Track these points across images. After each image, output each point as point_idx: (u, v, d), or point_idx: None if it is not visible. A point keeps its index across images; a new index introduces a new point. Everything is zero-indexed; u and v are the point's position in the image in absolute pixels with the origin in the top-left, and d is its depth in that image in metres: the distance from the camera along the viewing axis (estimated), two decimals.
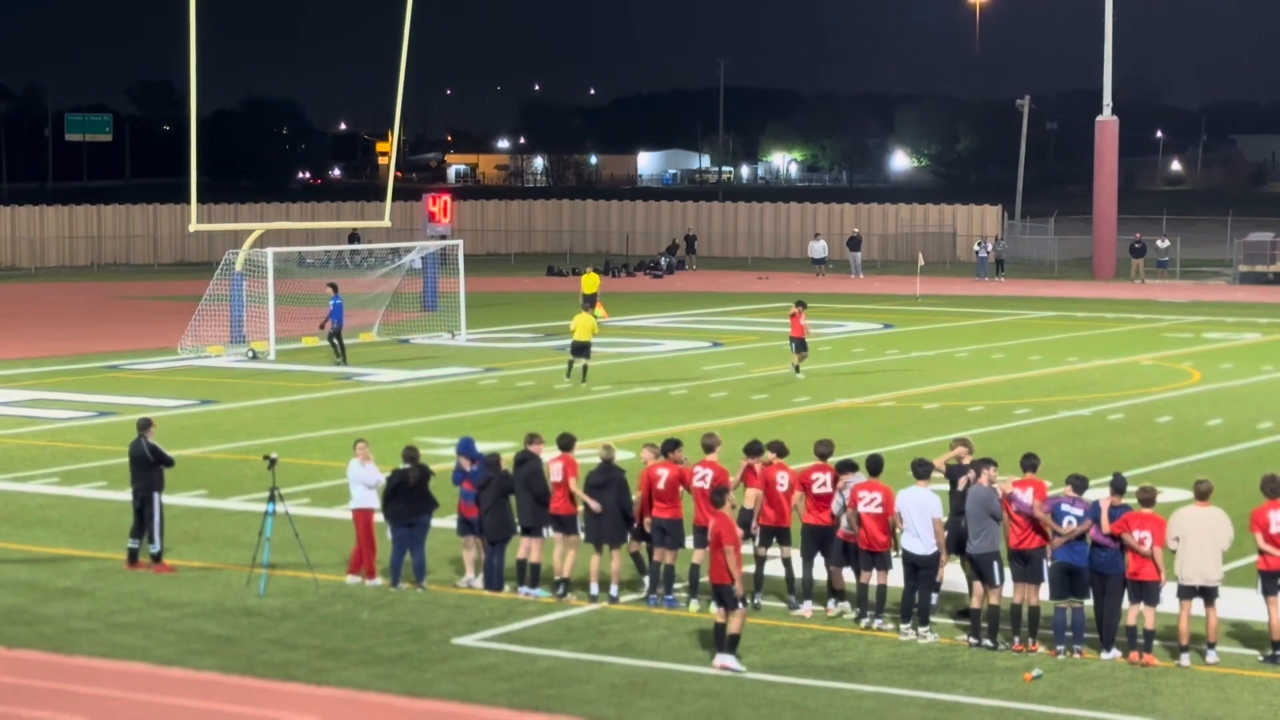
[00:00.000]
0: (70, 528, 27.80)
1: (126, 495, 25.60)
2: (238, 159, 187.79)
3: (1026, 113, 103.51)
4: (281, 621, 22.39)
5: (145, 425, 25.56)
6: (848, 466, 22.68)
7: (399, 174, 57.95)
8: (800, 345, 45.99)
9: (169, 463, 25.32)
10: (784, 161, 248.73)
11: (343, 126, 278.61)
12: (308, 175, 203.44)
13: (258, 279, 52.82)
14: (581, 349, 45.18)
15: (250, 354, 51.18)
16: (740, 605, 20.44)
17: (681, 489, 23.10)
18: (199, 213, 52.16)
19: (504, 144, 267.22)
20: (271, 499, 24.15)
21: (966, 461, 22.75)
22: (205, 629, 22.08)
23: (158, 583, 24.25)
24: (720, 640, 20.54)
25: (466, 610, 22.86)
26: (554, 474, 23.64)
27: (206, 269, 57.08)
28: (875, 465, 22.51)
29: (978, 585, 21.45)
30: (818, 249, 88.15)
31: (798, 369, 46.10)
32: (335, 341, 49.27)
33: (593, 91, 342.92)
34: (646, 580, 23.44)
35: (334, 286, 50.34)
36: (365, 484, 24.31)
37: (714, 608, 20.75)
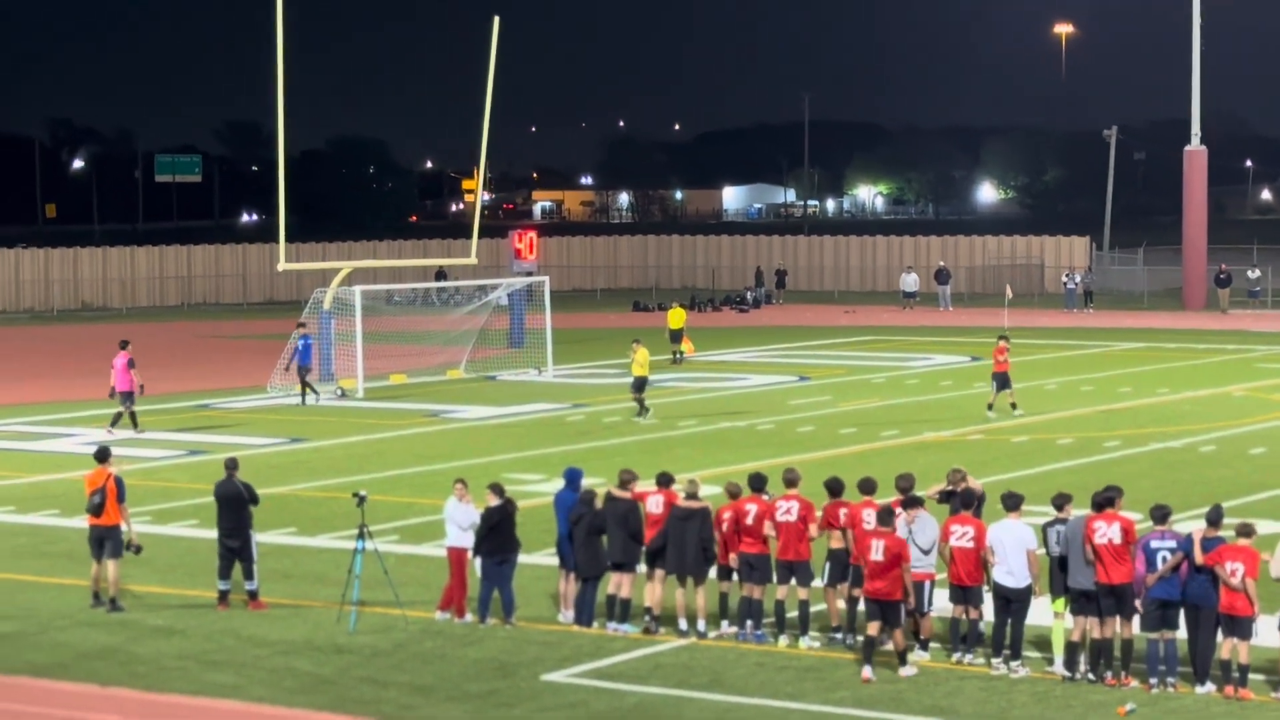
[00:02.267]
0: (162, 566, 27.99)
1: (217, 535, 25.71)
2: (325, 198, 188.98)
3: (1114, 143, 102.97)
4: (372, 659, 22.47)
5: (234, 465, 25.73)
6: (913, 502, 22.52)
7: (484, 211, 58.29)
8: (1003, 381, 44.89)
9: (256, 501, 25.48)
10: (869, 195, 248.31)
11: (429, 165, 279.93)
12: (407, 215, 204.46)
13: (346, 317, 53.11)
14: (641, 385, 45.25)
15: (339, 392, 51.45)
16: (904, 620, 21.42)
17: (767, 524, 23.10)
18: (287, 252, 52.50)
19: (589, 180, 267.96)
20: (361, 536, 24.26)
21: (959, 488, 22.85)
22: (296, 666, 22.18)
23: (249, 620, 24.38)
24: (869, 653, 21.24)
25: (556, 646, 22.87)
26: (652, 508, 23.68)
27: (295, 307, 57.46)
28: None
29: (1077, 619, 21.28)
30: (909, 282, 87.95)
31: (993, 406, 44.81)
32: (303, 381, 49.20)
33: (677, 127, 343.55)
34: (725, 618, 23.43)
35: (302, 325, 50.32)
36: (461, 523, 24.36)
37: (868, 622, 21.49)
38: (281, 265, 52.82)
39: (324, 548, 29.30)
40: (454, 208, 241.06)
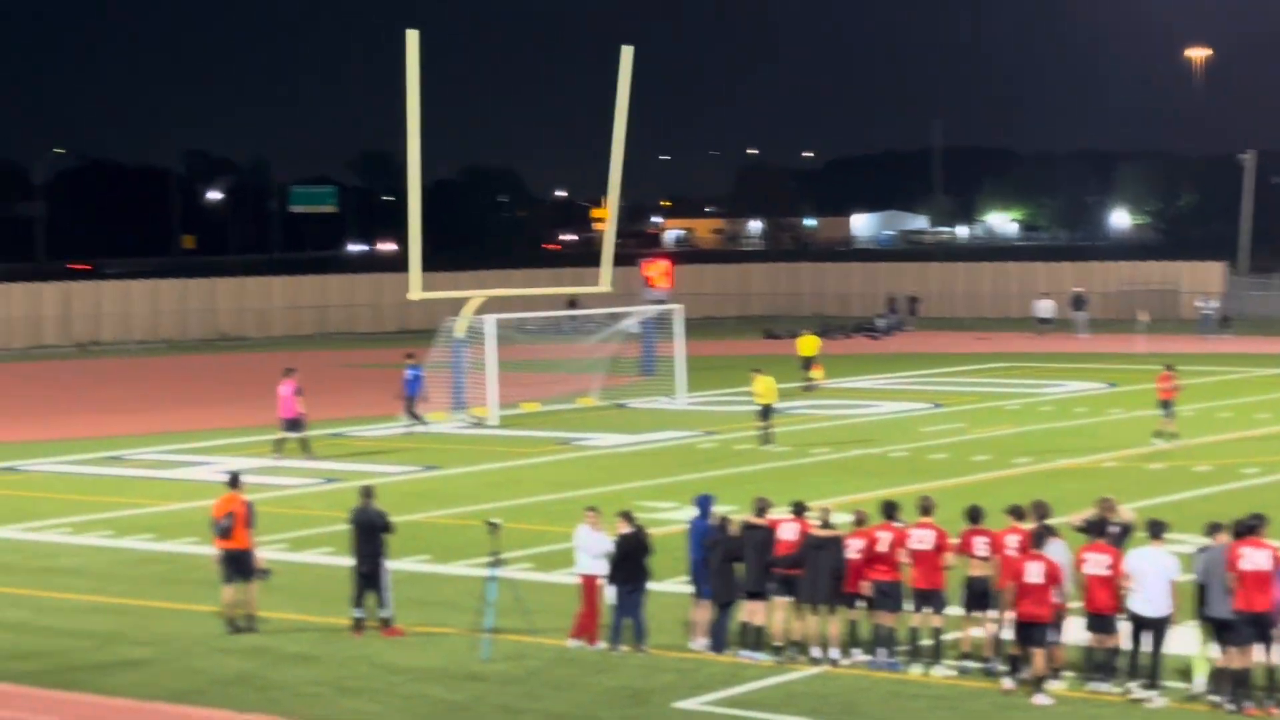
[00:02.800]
0: (298, 593, 28.23)
1: (349, 562, 25.92)
2: (458, 228, 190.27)
3: (1250, 168, 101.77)
4: (506, 686, 22.54)
5: (370, 492, 25.97)
6: (1046, 531, 22.37)
7: (616, 240, 58.25)
8: (1166, 407, 44.47)
9: (391, 529, 25.68)
10: (1001, 220, 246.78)
11: (560, 193, 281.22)
12: (539, 243, 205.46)
13: (479, 345, 53.40)
14: (767, 412, 45.19)
15: (472, 420, 51.72)
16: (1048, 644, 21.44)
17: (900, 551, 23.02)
18: (420, 281, 52.82)
19: (719, 208, 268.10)
20: (494, 563, 24.37)
21: (1109, 517, 22.65)
22: (431, 693, 22.30)
23: (384, 647, 24.54)
24: (1014, 666, 21.32)
25: (688, 674, 22.85)
26: (786, 535, 23.67)
27: (428, 336, 57.80)
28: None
29: (1221, 647, 21.03)
30: (1044, 308, 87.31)
31: (1161, 435, 44.30)
32: (410, 412, 49.53)
33: (808, 154, 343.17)
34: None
35: (410, 355, 50.63)
36: (592, 551, 24.42)
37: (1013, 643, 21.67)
38: (413, 294, 53.11)
39: (458, 575, 29.45)
40: (584, 236, 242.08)
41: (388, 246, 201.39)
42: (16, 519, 35.82)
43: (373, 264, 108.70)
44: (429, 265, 52.05)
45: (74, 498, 38.79)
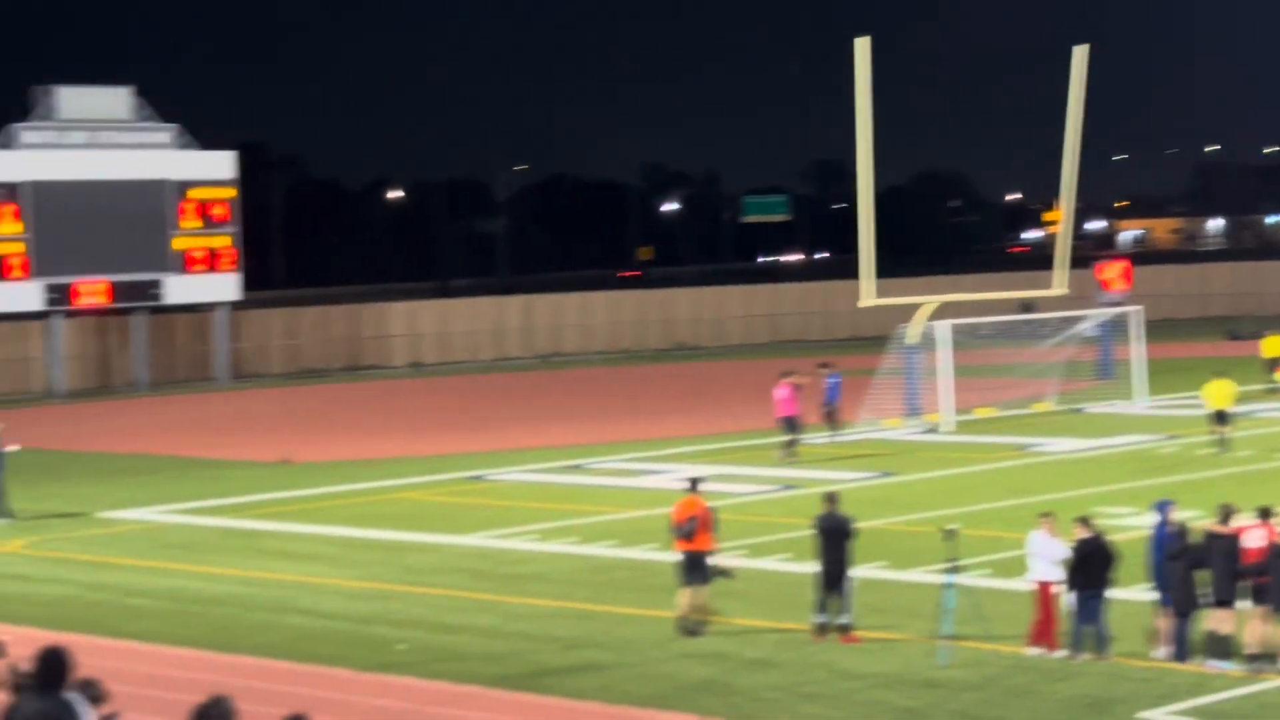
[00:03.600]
0: (758, 600, 28.53)
1: (811, 568, 26.13)
2: (909, 233, 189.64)
3: None
4: (963, 693, 22.44)
5: (835, 498, 26.18)
6: None
7: (1070, 242, 57.42)
8: None
9: (855, 535, 25.84)
10: None
11: (1012, 196, 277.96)
12: (991, 248, 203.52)
13: (932, 351, 53.16)
14: (1221, 417, 43.90)
15: (927, 426, 51.55)
16: None
17: None
18: (873, 288, 52.92)
19: (1181, 207, 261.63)
20: (951, 570, 24.29)
21: None
22: (889, 700, 22.32)
23: (843, 654, 24.66)
24: None
25: (1152, 683, 22.43)
26: (1252, 542, 23.05)
27: (881, 343, 57.81)
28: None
29: None
30: None
31: None
32: (831, 421, 49.14)
33: (1271, 149, 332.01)
34: None
35: (826, 365, 50.13)
36: (1048, 557, 24.17)
37: None
38: (864, 301, 53.21)
39: (915, 582, 29.41)
40: (1037, 238, 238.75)
41: (839, 255, 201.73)
42: (485, 526, 37.01)
43: (825, 271, 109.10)
44: (880, 272, 52.01)
45: (539, 505, 39.87)
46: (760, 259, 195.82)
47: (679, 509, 26.64)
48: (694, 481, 27.29)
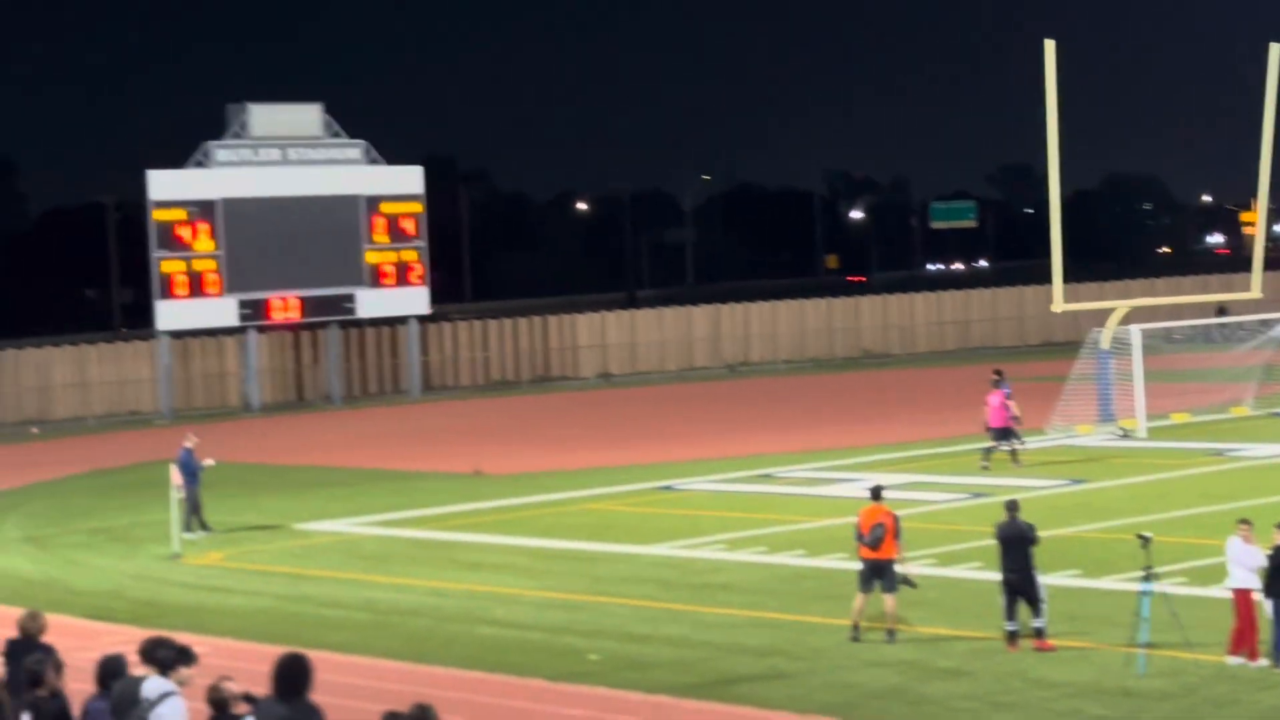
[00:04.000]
0: (948, 608, 28.33)
1: (999, 575, 25.91)
2: (1100, 237, 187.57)
3: None
4: (1161, 702, 22.12)
5: (1015, 506, 25.97)
6: None
7: (1267, 244, 56.60)
8: None
9: (1037, 541, 25.62)
10: None
11: (1205, 198, 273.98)
12: (1184, 251, 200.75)
13: (1124, 356, 52.51)
14: None
15: (1120, 432, 50.91)
16: None
17: None
18: (1064, 292, 52.39)
19: None
20: (1147, 578, 23.96)
21: None
22: (1084, 709, 22.05)
23: (1037, 663, 24.41)
24: None
25: None
26: None
27: (1073, 349, 57.16)
28: None
29: None
30: None
31: None
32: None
33: None
34: None
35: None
36: (1246, 564, 23.77)
37: None
38: (1057, 306, 52.74)
39: (1109, 590, 29.04)
40: (1231, 241, 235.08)
41: (1028, 260, 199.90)
42: (674, 537, 37.07)
43: (1014, 277, 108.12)
44: (1071, 276, 51.52)
45: (728, 515, 39.88)
46: (949, 265, 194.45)
47: (864, 517, 26.63)
48: (876, 490, 27.31)
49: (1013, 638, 25.28)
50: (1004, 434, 45.26)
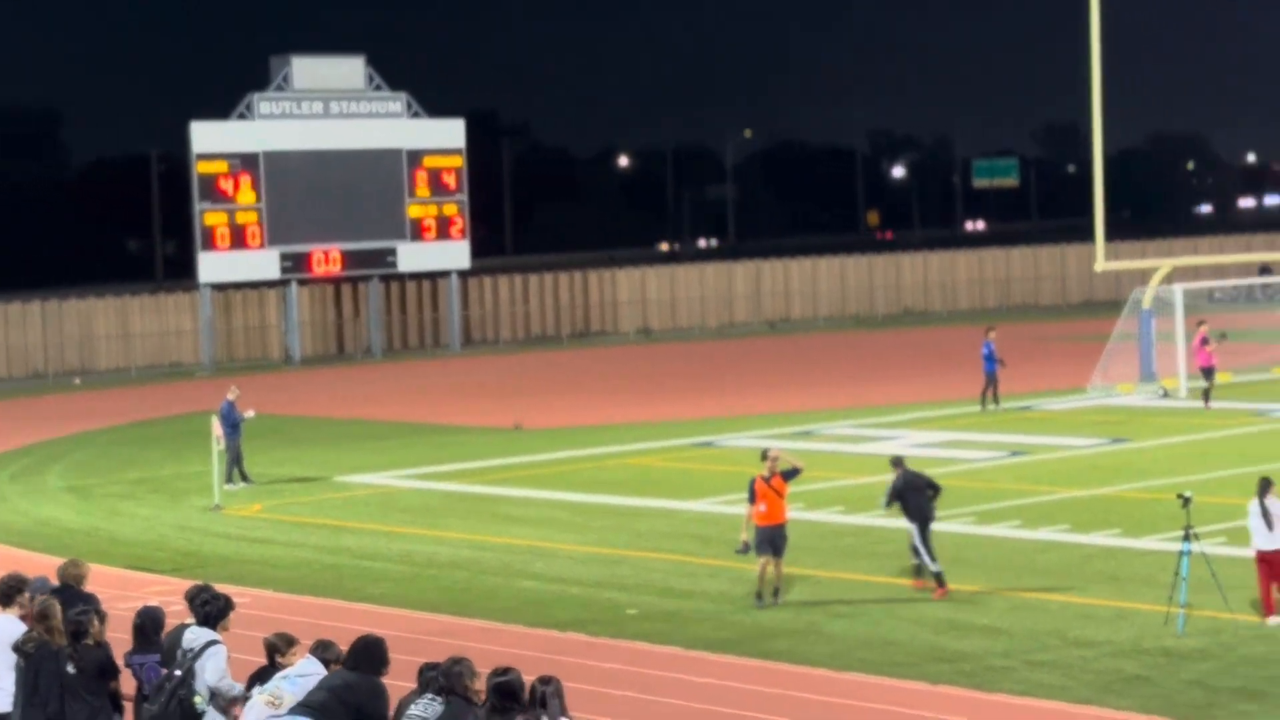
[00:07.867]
0: (989, 566, 28.32)
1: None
2: (1143, 196, 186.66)
3: None
4: (1200, 662, 22.10)
5: (900, 462, 26.77)
6: None
7: None
8: None
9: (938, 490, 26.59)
10: None
11: (1250, 158, 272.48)
12: (1228, 210, 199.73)
13: (1166, 316, 52.32)
14: None
15: (1161, 392, 50.76)
16: None
17: None
18: (1106, 251, 52.21)
19: None
20: (1186, 538, 23.93)
21: None
22: (1122, 668, 22.05)
23: (1074, 621, 24.39)
24: None
25: None
26: None
27: (1114, 308, 57.01)
28: None
29: None
30: None
31: None
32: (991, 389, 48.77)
33: None
34: None
35: (991, 329, 49.30)
36: (1266, 526, 23.78)
37: None
38: (1099, 265, 52.58)
39: (1149, 550, 28.99)
40: (1276, 202, 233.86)
41: (1071, 219, 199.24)
42: (714, 492, 37.10)
43: (1057, 236, 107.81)
44: (1114, 235, 51.36)
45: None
46: (991, 223, 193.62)
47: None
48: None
49: (917, 571, 26.48)
50: (1207, 373, 47.06)
